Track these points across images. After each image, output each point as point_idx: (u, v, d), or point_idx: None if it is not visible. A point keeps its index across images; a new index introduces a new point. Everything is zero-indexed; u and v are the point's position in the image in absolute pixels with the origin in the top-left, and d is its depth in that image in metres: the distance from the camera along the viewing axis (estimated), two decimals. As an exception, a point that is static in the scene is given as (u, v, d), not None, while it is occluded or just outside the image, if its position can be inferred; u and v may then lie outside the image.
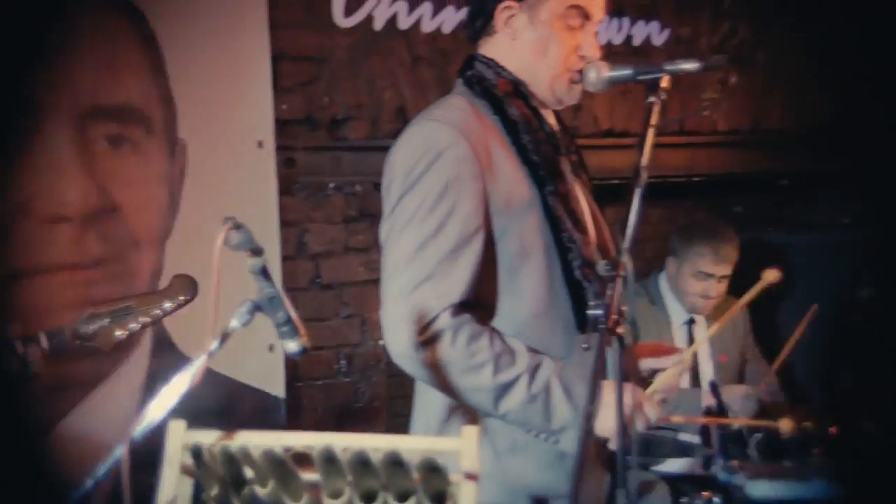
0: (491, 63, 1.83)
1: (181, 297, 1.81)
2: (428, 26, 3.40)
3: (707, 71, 1.72)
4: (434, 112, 1.79)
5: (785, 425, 2.70)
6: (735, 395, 2.99)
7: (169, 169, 2.78)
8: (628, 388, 1.65)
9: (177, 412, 1.28)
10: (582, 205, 1.85)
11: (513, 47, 1.82)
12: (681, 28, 4.05)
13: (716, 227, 3.33)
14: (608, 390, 1.56)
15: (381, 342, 3.35)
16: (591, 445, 1.69)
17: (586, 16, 1.81)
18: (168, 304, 1.80)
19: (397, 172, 1.75)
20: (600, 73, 1.78)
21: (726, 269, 3.22)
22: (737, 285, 3.43)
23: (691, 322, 3.33)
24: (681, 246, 3.27)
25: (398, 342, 1.68)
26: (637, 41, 3.90)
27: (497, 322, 1.74)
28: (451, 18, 3.41)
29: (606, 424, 1.65)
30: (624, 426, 1.45)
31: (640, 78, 1.71)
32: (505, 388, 1.67)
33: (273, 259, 3.04)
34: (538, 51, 1.80)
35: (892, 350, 2.38)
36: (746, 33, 4.26)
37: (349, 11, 3.24)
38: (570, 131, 1.95)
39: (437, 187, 1.69)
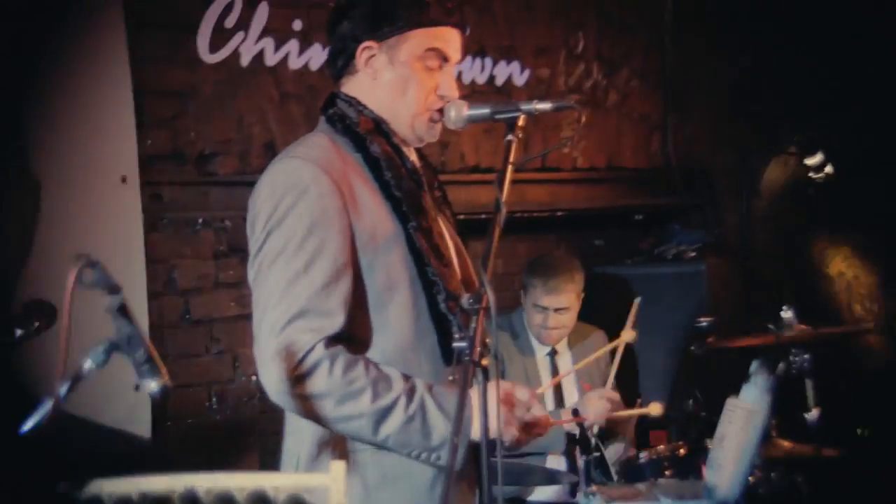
0: (352, 101, 1.83)
1: (35, 324, 1.67)
2: (295, 63, 3.37)
3: (560, 111, 1.74)
4: (296, 150, 1.77)
5: (654, 409, 2.88)
6: (590, 402, 3.04)
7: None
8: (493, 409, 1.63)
9: (29, 462, 1.18)
10: (446, 239, 1.85)
11: (373, 86, 1.82)
12: (539, 69, 4.19)
13: (551, 261, 3.39)
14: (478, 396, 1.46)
15: (254, 378, 3.25)
16: (462, 470, 1.67)
17: (444, 57, 1.82)
18: (19, 332, 1.65)
19: (261, 210, 1.72)
20: (460, 112, 1.80)
21: (560, 302, 3.27)
22: (596, 314, 3.53)
23: (553, 353, 3.39)
24: (525, 280, 3.37)
25: (272, 379, 1.64)
26: (500, 81, 4.01)
27: (367, 355, 1.72)
28: (318, 56, 3.40)
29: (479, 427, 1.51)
30: (493, 443, 1.44)
31: (498, 117, 1.74)
32: (384, 413, 1.65)
33: (140, 296, 2.92)
34: (398, 90, 1.81)
35: (733, 375, 2.53)
36: (599, 76, 4.44)
37: (214, 48, 3.18)
38: (433, 168, 1.96)
39: (304, 224, 1.68)
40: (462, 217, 1.94)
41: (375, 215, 1.74)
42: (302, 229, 1.67)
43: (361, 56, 1.82)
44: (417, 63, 1.80)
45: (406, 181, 1.79)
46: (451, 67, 1.84)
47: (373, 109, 1.82)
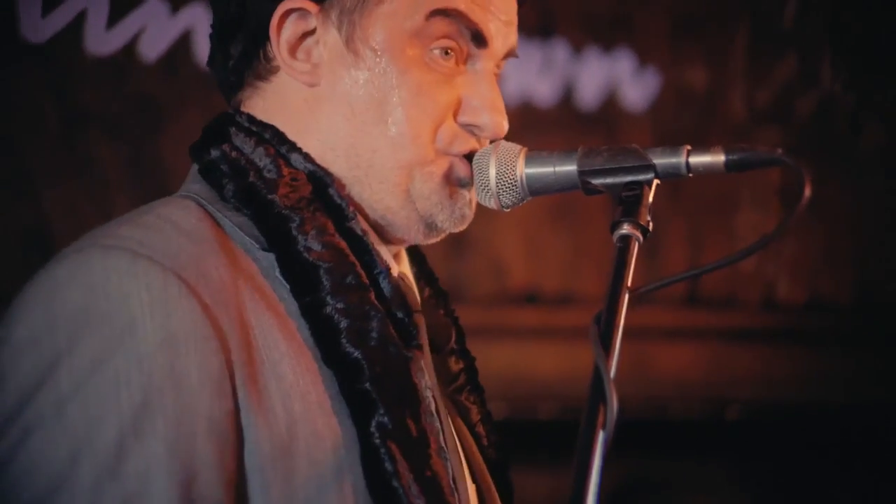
0: (266, 131, 1.02)
1: None
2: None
3: (742, 170, 0.92)
4: (123, 232, 0.95)
5: None
6: None
7: None
8: None
9: None
10: (462, 468, 1.04)
11: (312, 104, 1.02)
12: (687, 70, 2.35)
13: None
14: None
15: None
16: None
17: (477, 36, 1.02)
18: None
19: (7, 373, 0.89)
20: (508, 171, 0.99)
21: None
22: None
23: None
24: None
25: None
26: (587, 90, 2.20)
27: None
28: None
29: None
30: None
31: (598, 182, 0.96)
32: None
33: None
34: (369, 111, 1.01)
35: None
36: (839, 91, 2.31)
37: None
38: (445, 295, 1.13)
39: (117, 413, 0.88)
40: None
41: (298, 400, 0.96)
42: (117, 429, 0.88)
43: (281, 34, 1.02)
44: (413, 49, 1.02)
45: (376, 324, 0.99)
46: (490, 63, 1.05)
47: (311, 152, 1.03)
